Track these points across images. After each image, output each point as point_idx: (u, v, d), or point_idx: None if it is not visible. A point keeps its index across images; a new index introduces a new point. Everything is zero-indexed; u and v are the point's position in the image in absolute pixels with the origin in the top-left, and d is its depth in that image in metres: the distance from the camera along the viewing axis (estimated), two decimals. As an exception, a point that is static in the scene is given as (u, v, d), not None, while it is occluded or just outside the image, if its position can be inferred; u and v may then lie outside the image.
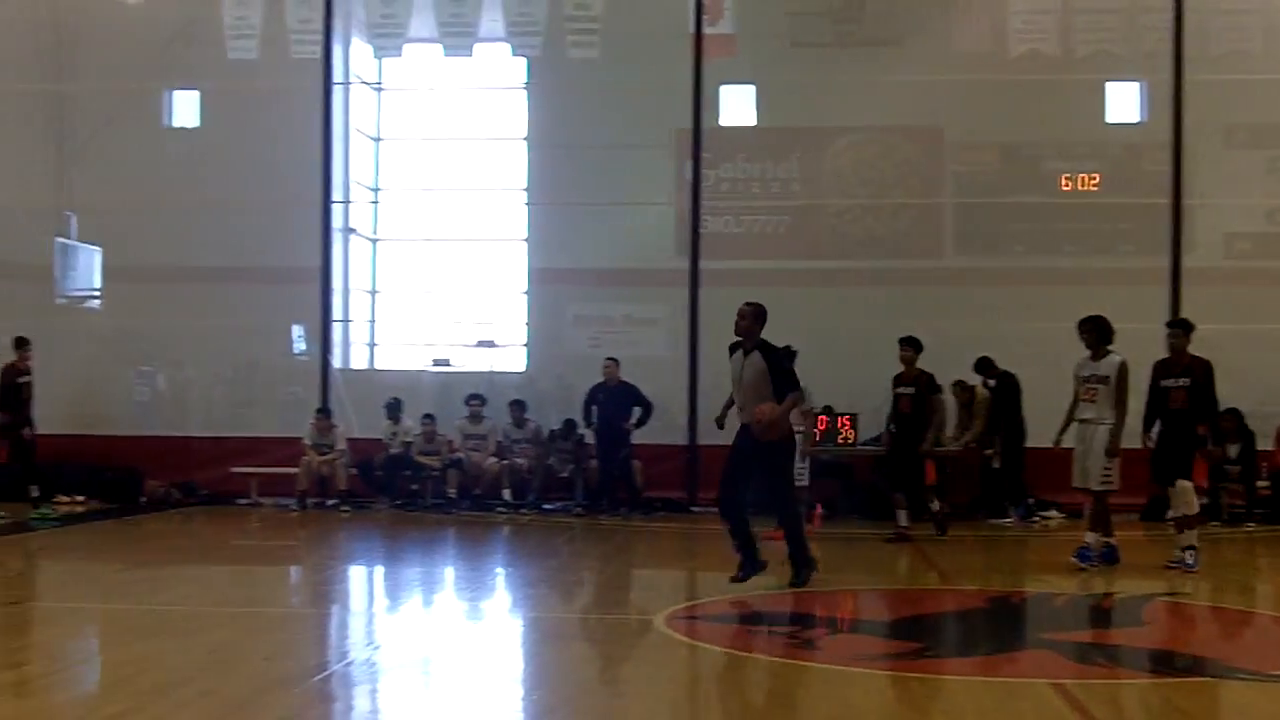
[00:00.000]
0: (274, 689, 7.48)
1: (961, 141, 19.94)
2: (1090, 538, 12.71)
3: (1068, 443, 12.87)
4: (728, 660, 8.60)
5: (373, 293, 21.88)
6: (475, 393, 19.12)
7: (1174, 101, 18.98)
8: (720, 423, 11.70)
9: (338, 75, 20.41)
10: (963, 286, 19.32)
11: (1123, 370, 12.48)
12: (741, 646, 9.15)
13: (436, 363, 20.74)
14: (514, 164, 21.30)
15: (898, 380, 15.17)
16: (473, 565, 14.38)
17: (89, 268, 20.83)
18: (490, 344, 20.27)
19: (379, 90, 22.00)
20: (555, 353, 20.47)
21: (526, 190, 21.10)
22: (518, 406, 18.91)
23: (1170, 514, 13.11)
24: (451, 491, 18.42)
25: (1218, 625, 10.83)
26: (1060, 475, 13.24)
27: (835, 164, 20.17)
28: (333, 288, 20.16)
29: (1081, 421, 12.68)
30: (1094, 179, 19.56)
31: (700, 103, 19.39)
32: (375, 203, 21.74)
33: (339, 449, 18.49)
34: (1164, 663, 8.71)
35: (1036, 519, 17.03)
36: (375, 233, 21.90)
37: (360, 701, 7.56)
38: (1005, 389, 17.25)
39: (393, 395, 19.11)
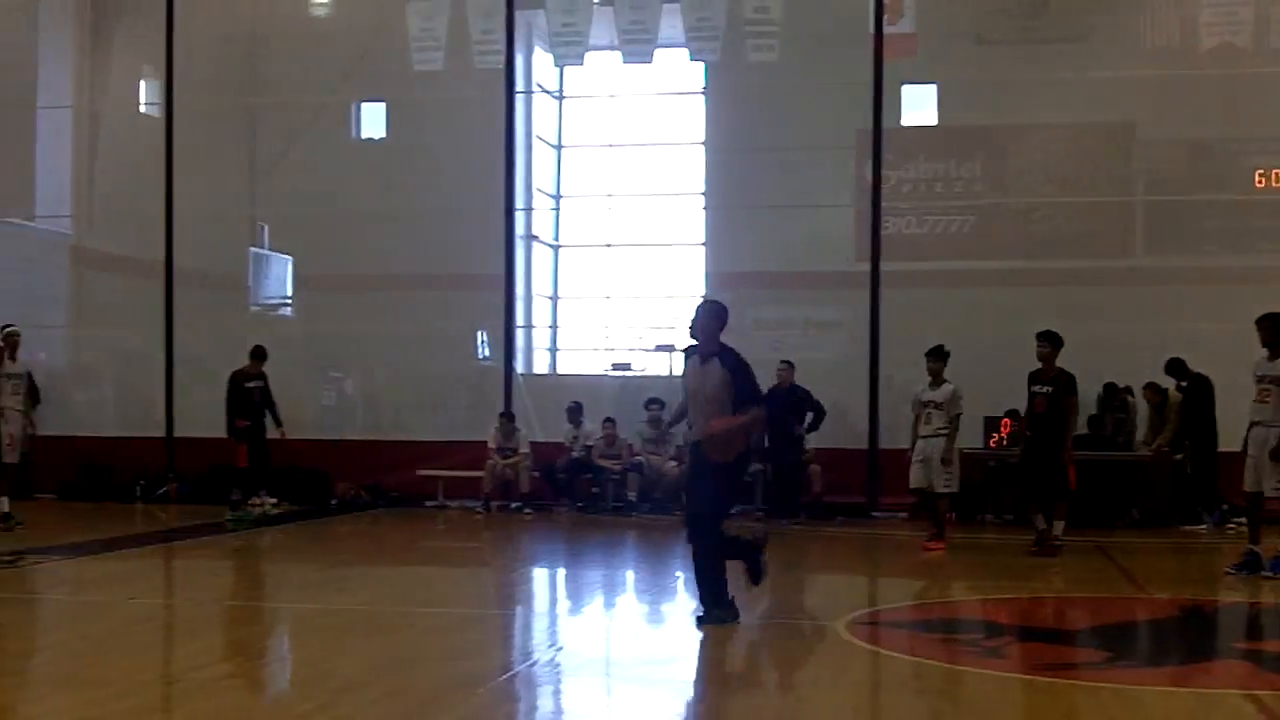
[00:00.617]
0: (459, 688, 7.60)
1: (1151, 138, 19.45)
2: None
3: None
4: (913, 668, 8.48)
5: (554, 298, 22.17)
6: (654, 397, 19.16)
7: (1373, 92, 18.28)
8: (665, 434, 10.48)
9: (520, 84, 20.69)
10: (1154, 286, 18.80)
11: None
12: (925, 654, 9.01)
13: (616, 367, 20.91)
14: (693, 169, 21.39)
15: (1034, 378, 13.87)
16: (653, 568, 14.44)
17: (281, 276, 21.56)
18: (670, 348, 20.30)
19: (560, 98, 22.31)
20: (735, 357, 20.40)
21: (705, 194, 21.18)
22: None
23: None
24: (632, 495, 18.50)
25: None
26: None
27: (1021, 162, 19.85)
28: (515, 294, 20.37)
29: (1255, 424, 12.05)
30: (1290, 175, 18.93)
31: (881, 103, 19.13)
32: (556, 209, 22.06)
33: (522, 452, 18.71)
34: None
35: (1231, 526, 16.38)
36: (556, 239, 22.20)
37: (544, 702, 7.65)
38: (1198, 392, 16.69)
39: (574, 399, 19.29)
